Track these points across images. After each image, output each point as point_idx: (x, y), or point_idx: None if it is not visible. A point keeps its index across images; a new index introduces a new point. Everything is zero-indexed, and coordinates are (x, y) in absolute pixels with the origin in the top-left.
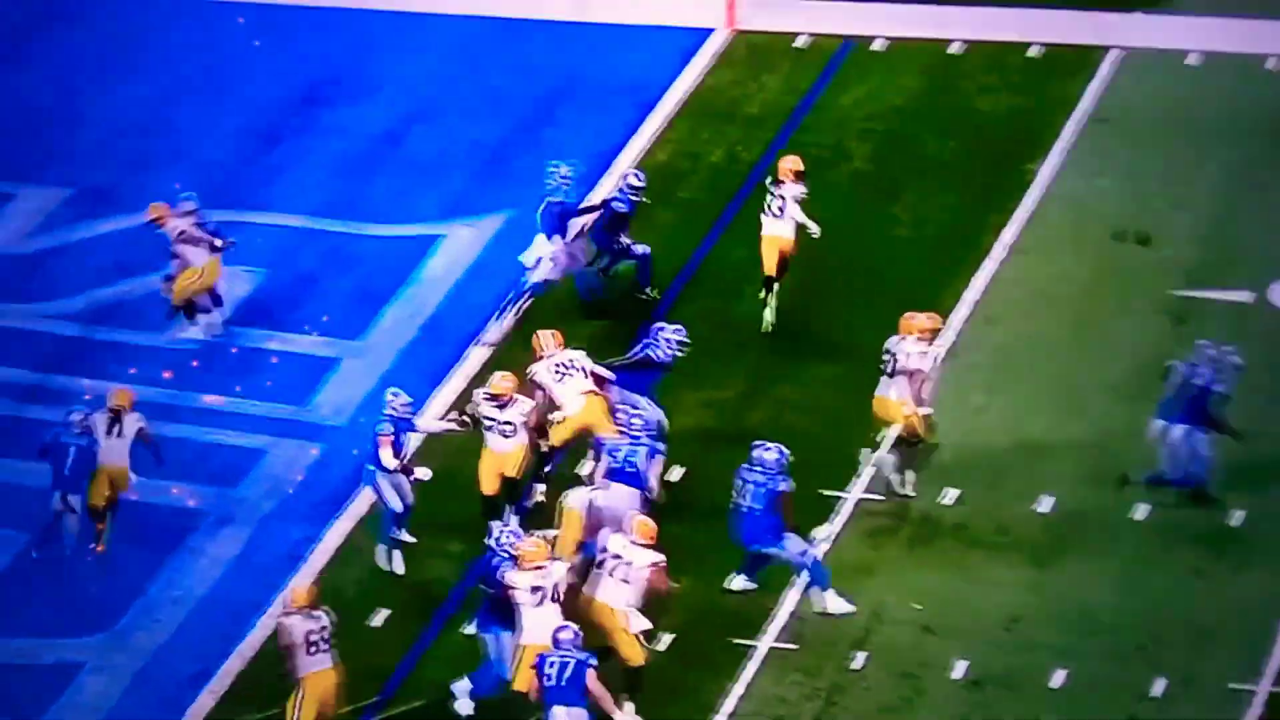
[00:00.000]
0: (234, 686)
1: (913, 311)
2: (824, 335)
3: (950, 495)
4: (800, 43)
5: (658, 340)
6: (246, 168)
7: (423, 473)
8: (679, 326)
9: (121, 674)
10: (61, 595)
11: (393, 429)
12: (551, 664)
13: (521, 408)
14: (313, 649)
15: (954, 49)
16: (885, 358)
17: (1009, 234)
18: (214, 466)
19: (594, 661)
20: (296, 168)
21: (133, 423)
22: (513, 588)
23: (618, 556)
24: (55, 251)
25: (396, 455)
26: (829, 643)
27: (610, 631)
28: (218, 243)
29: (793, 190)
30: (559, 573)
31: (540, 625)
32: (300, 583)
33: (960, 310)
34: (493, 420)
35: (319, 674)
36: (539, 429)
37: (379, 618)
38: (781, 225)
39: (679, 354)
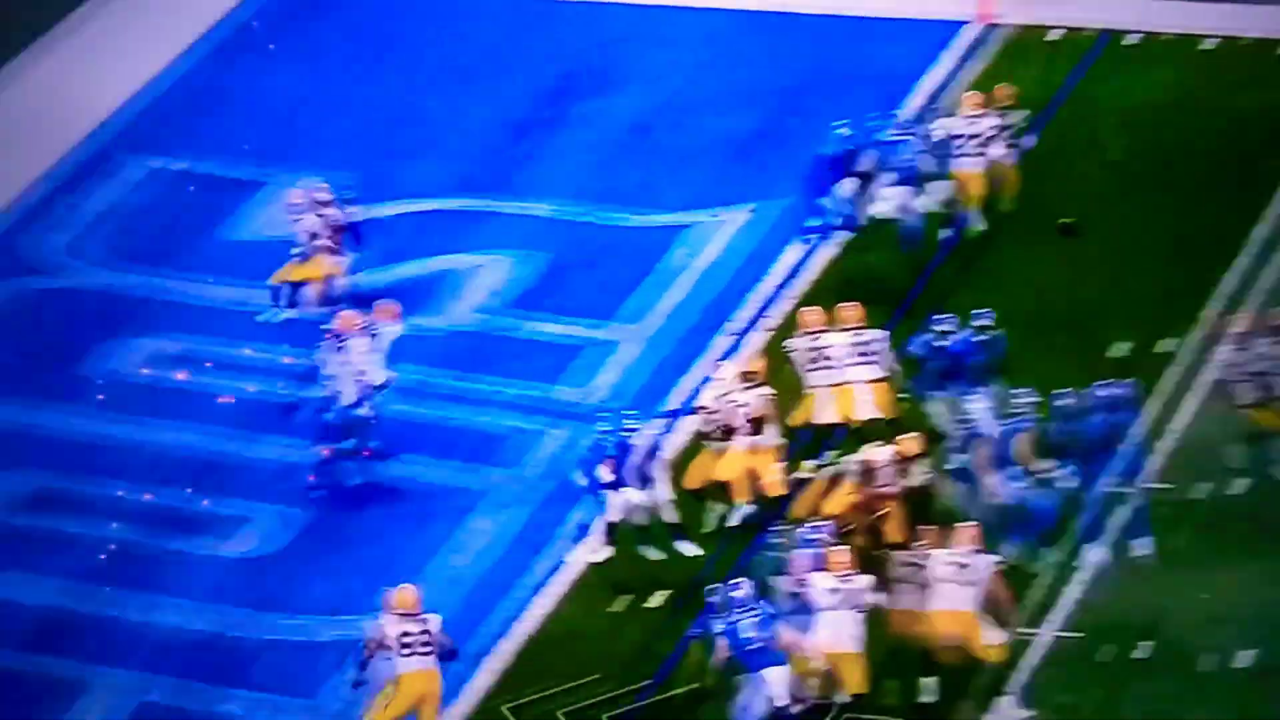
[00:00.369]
0: (512, 665)
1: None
2: (1077, 326)
3: (1240, 485)
4: (1054, 36)
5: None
6: (499, 157)
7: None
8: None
9: None
10: (342, 573)
11: (613, 450)
12: (747, 625)
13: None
14: (406, 650)
15: (1207, 45)
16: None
17: (1261, 231)
18: (492, 447)
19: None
20: (548, 157)
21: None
22: (810, 587)
23: (954, 563)
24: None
25: (616, 472)
26: (1116, 629)
27: (960, 638)
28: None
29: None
30: (863, 583)
31: (834, 630)
32: (405, 588)
33: (1213, 306)
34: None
35: (414, 674)
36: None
37: (657, 598)
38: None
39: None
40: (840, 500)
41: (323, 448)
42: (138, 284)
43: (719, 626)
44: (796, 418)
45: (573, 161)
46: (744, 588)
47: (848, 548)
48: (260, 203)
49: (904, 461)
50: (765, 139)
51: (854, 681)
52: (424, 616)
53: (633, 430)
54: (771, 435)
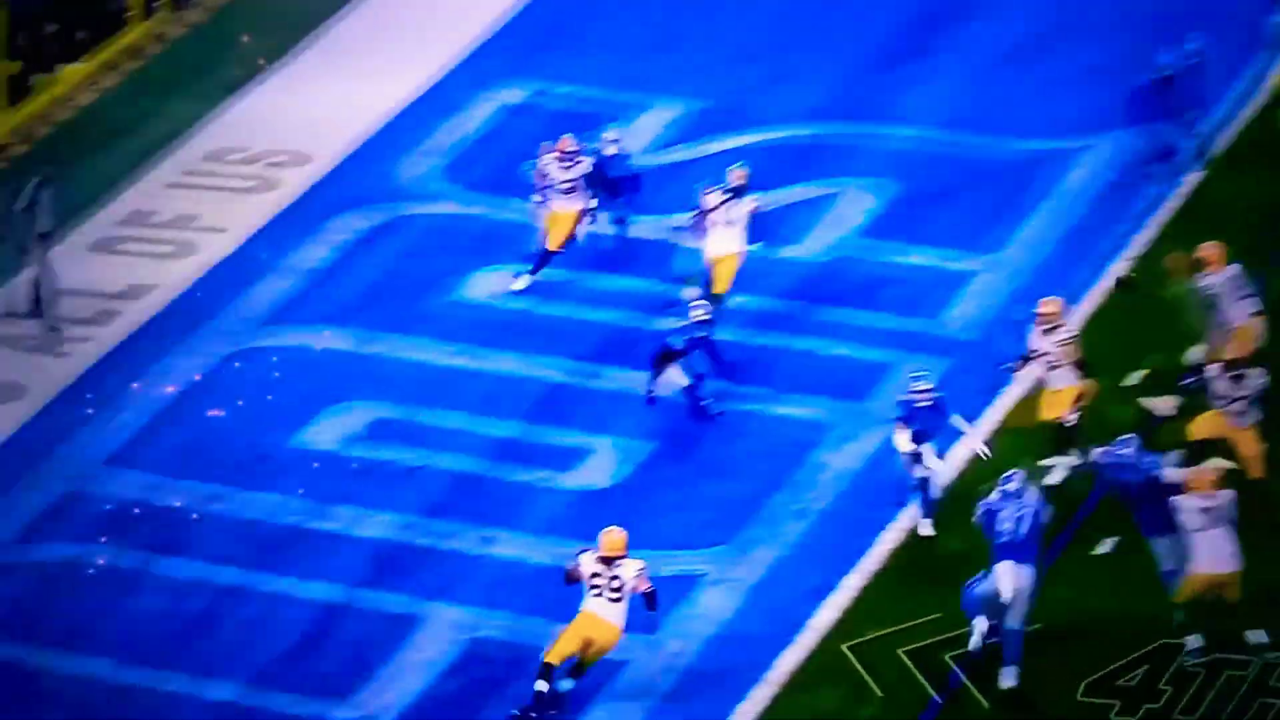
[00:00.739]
0: (855, 601)
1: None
2: None
3: None
4: None
5: None
6: (860, 85)
7: (934, 463)
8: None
9: (739, 586)
10: (684, 507)
11: (906, 414)
12: (1006, 517)
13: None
14: (594, 590)
15: None
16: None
17: None
18: (841, 380)
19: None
20: (909, 85)
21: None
22: (1181, 509)
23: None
24: (682, 166)
25: (916, 441)
26: None
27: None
28: (593, 203)
29: None
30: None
31: (1210, 550)
32: (613, 530)
33: None
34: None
35: (590, 616)
36: None
37: None
38: None
39: None
40: (1206, 424)
41: (671, 373)
42: (485, 213)
43: (982, 509)
44: (1220, 352)
45: (934, 89)
46: (1015, 480)
47: (1210, 466)
48: (639, 128)
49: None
50: (1131, 67)
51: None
52: (622, 562)
53: (924, 392)
54: (1071, 375)
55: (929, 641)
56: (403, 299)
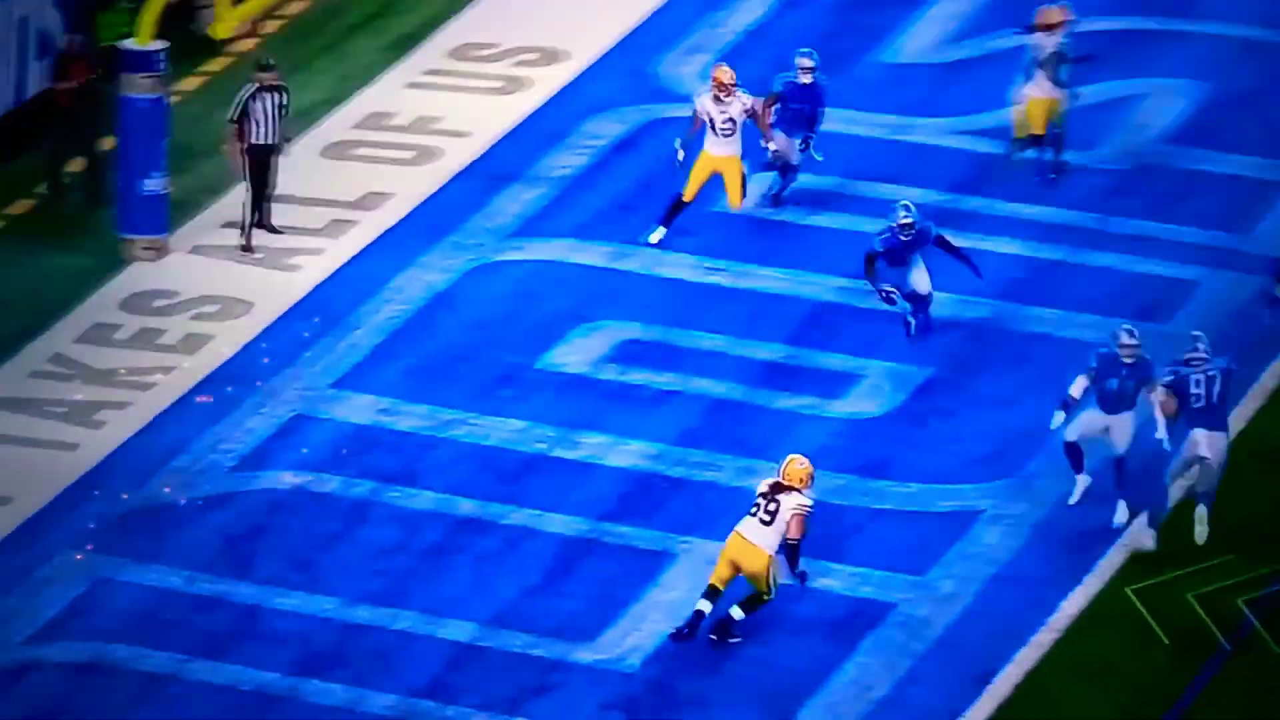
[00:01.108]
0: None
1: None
2: None
3: None
4: None
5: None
6: None
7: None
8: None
9: (1020, 524)
10: (962, 438)
11: (1094, 370)
12: (1197, 380)
13: None
14: (753, 509)
15: None
16: None
17: None
18: (1142, 300)
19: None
20: None
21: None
22: None
23: None
24: (974, 62)
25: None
26: None
27: None
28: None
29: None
30: None
31: None
32: (799, 460)
33: None
34: None
35: (741, 538)
36: None
37: None
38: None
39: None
40: None
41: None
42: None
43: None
44: None
45: None
46: (1201, 345)
47: None
48: (927, 23)
49: None
50: None
51: None
52: (790, 493)
53: (1131, 346)
54: None
55: (1221, 585)
56: (660, 210)
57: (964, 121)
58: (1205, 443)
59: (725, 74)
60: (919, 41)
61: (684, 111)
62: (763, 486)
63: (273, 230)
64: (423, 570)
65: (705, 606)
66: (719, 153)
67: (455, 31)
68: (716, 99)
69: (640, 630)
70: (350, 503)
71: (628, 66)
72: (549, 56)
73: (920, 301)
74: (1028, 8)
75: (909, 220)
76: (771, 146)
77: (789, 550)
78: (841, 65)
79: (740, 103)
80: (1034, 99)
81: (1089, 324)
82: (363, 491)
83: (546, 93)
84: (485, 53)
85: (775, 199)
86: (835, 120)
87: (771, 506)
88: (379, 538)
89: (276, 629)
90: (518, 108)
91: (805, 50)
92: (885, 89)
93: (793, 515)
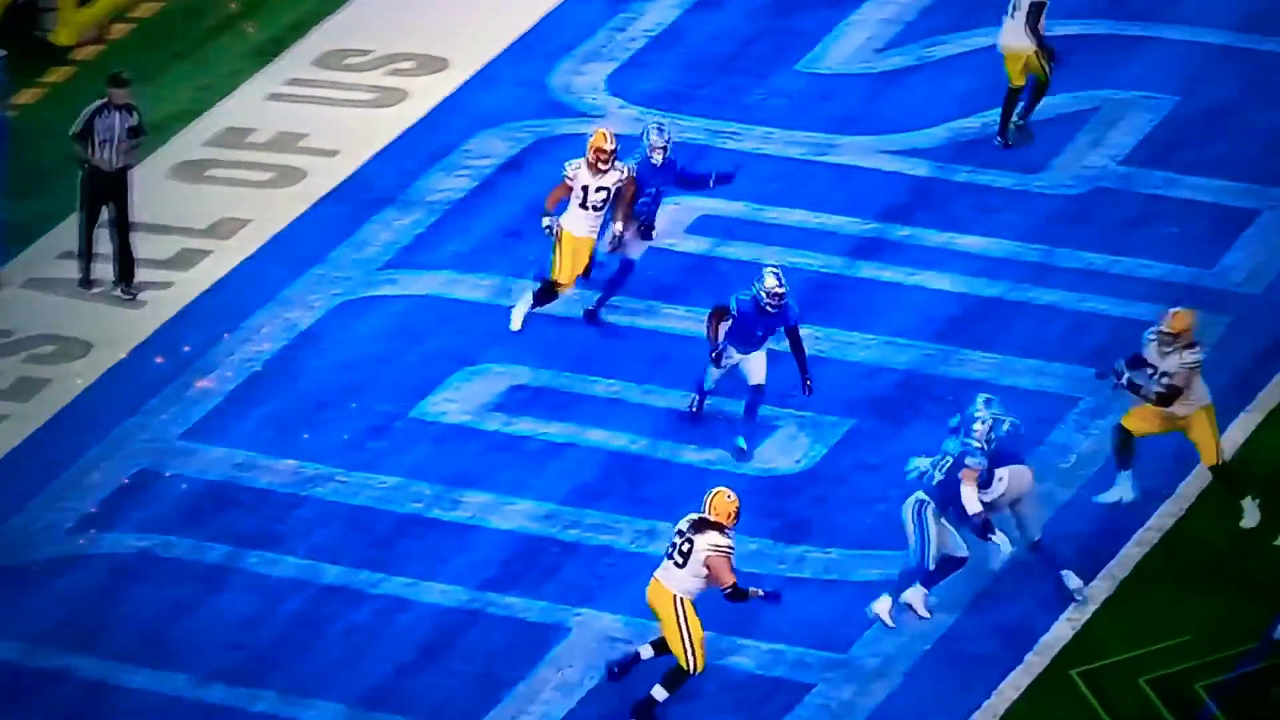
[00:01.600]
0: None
1: None
2: None
3: None
4: None
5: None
6: None
7: (1000, 540)
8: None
9: (956, 594)
10: (890, 499)
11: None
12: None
13: None
14: (670, 548)
15: None
16: None
17: None
18: (1091, 342)
19: None
20: None
21: None
22: None
23: None
24: (908, 72)
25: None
26: None
27: None
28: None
29: None
30: None
31: None
32: (723, 493)
33: None
34: None
35: (657, 584)
36: None
37: None
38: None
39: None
40: None
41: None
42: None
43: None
44: None
45: None
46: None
47: None
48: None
49: None
50: None
51: None
52: (705, 530)
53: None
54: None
55: (1178, 668)
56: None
57: (894, 140)
58: (1006, 477)
59: (606, 140)
60: (846, 49)
61: (581, 128)
62: (682, 523)
63: (128, 293)
64: (284, 645)
65: (647, 652)
66: (585, 234)
67: (323, 36)
68: (594, 167)
69: (528, 713)
70: (204, 568)
71: (517, 77)
72: (428, 65)
73: (754, 392)
74: (968, 11)
75: (781, 290)
76: (618, 229)
77: (734, 598)
78: (758, 75)
79: (617, 173)
80: (1009, 52)
81: (1030, 370)
82: (217, 556)
83: (425, 106)
84: (356, 60)
85: (590, 314)
86: (750, 139)
87: (686, 546)
88: (235, 607)
89: (119, 709)
90: (392, 123)
91: (659, 123)
92: (807, 103)
93: (707, 558)
